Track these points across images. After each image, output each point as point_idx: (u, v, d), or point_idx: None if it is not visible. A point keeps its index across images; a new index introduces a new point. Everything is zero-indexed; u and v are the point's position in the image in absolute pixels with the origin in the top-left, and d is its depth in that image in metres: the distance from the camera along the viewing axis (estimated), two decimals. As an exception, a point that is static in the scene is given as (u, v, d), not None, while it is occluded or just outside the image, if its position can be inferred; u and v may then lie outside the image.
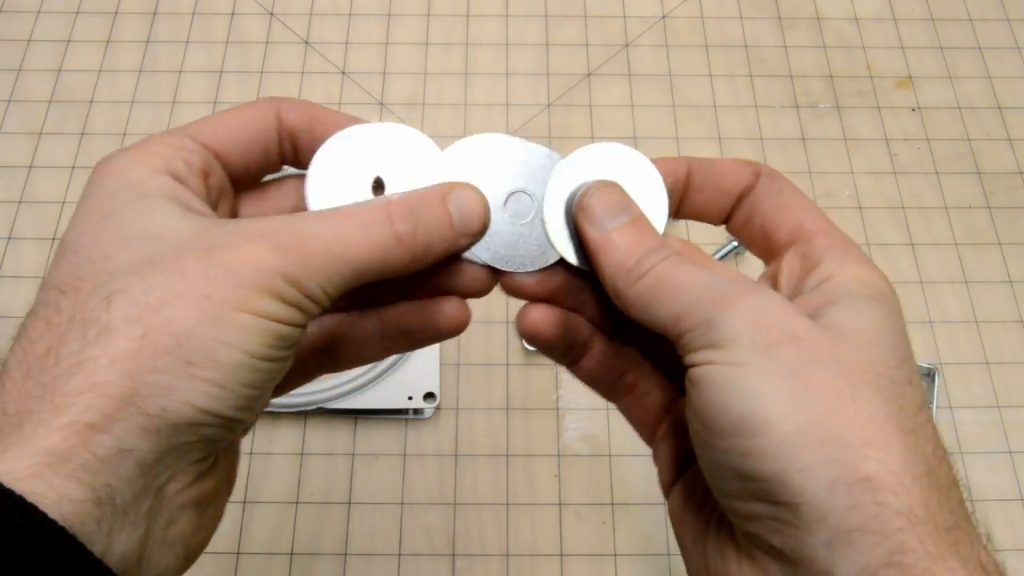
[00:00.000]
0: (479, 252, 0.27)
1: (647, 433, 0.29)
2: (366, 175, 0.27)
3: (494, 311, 0.56)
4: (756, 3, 0.72)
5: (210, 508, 0.24)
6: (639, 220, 0.27)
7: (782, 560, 0.21)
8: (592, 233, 0.26)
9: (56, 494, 0.19)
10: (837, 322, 0.23)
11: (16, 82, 0.66)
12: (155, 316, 0.21)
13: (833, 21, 0.71)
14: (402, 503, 0.52)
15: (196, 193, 0.25)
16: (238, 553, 0.50)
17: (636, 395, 0.29)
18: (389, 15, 0.70)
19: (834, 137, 0.65)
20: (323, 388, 0.53)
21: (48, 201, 0.61)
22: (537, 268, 0.28)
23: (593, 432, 0.54)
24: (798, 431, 0.21)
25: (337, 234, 0.24)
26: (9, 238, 0.60)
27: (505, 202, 0.28)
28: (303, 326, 0.23)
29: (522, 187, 0.28)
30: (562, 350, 0.28)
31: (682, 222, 0.45)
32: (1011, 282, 0.60)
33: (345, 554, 0.51)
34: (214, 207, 0.26)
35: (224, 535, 0.51)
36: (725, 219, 0.29)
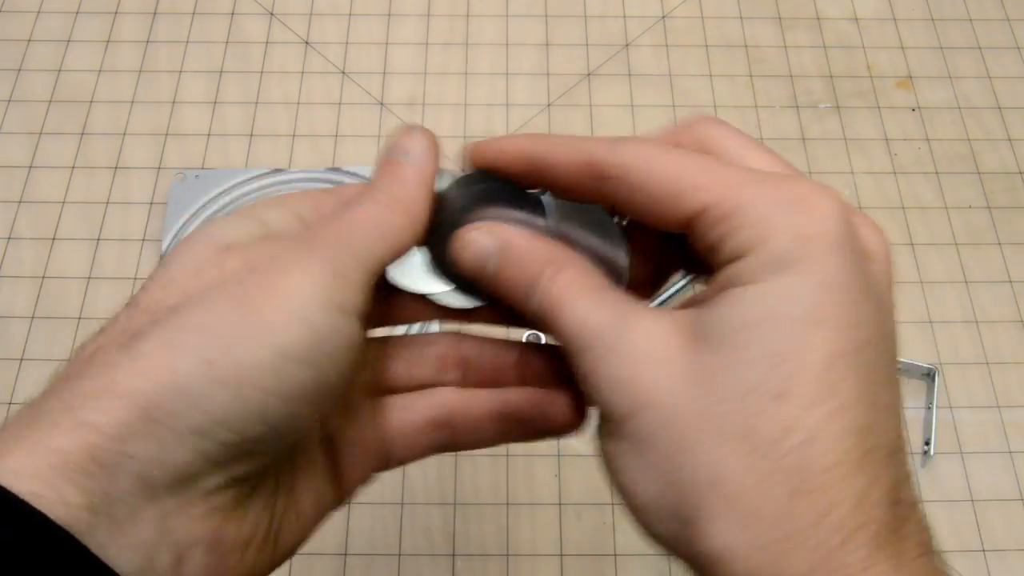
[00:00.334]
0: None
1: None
2: None
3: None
4: (756, 3, 0.72)
5: (232, 557, 0.22)
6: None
7: None
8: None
9: (56, 495, 0.18)
10: (711, 336, 0.20)
11: (16, 82, 0.66)
12: (184, 321, 0.21)
13: (833, 21, 0.71)
14: (402, 503, 0.52)
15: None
16: (238, 553, 0.50)
17: None
18: (389, 15, 0.70)
19: (834, 137, 0.65)
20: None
21: (48, 201, 0.61)
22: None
23: (593, 432, 0.54)
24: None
25: (359, 227, 0.24)
26: (9, 238, 0.60)
27: None
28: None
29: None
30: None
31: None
32: (1011, 282, 0.60)
33: (345, 554, 0.51)
34: None
35: (224, 535, 0.51)
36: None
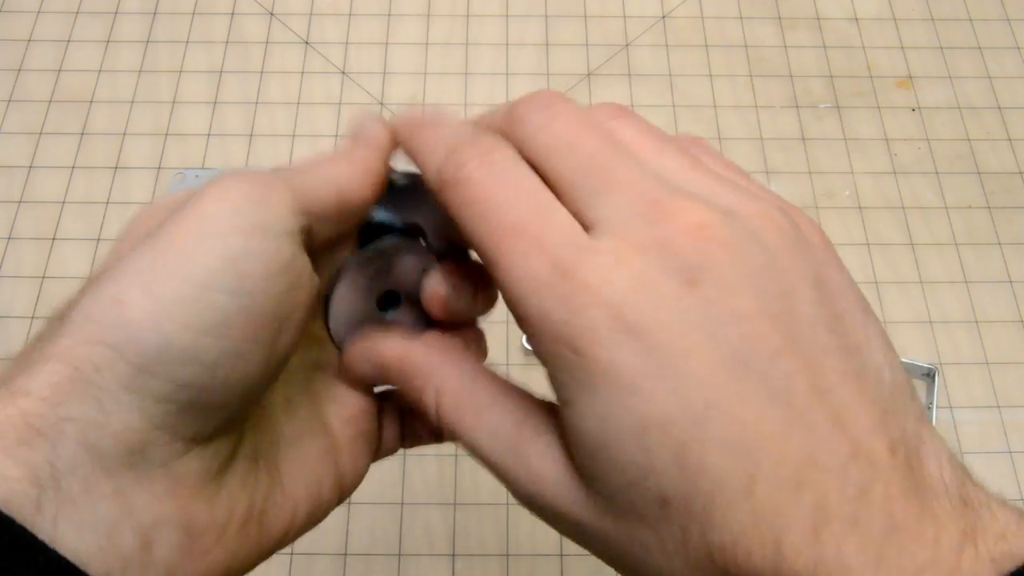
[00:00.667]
0: None
1: None
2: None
3: (494, 311, 0.56)
4: (756, 3, 0.72)
5: (206, 539, 0.20)
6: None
7: None
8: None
9: None
10: (581, 470, 0.20)
11: (16, 82, 0.66)
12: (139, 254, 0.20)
13: (833, 21, 0.71)
14: (402, 503, 0.52)
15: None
16: (238, 553, 0.50)
17: None
18: (389, 15, 0.70)
19: (834, 137, 0.65)
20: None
21: (48, 201, 0.61)
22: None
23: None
24: None
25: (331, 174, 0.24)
26: (9, 238, 0.60)
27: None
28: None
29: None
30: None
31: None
32: (1011, 282, 0.60)
33: (345, 554, 0.51)
34: None
35: (224, 535, 0.51)
36: None
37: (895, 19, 0.71)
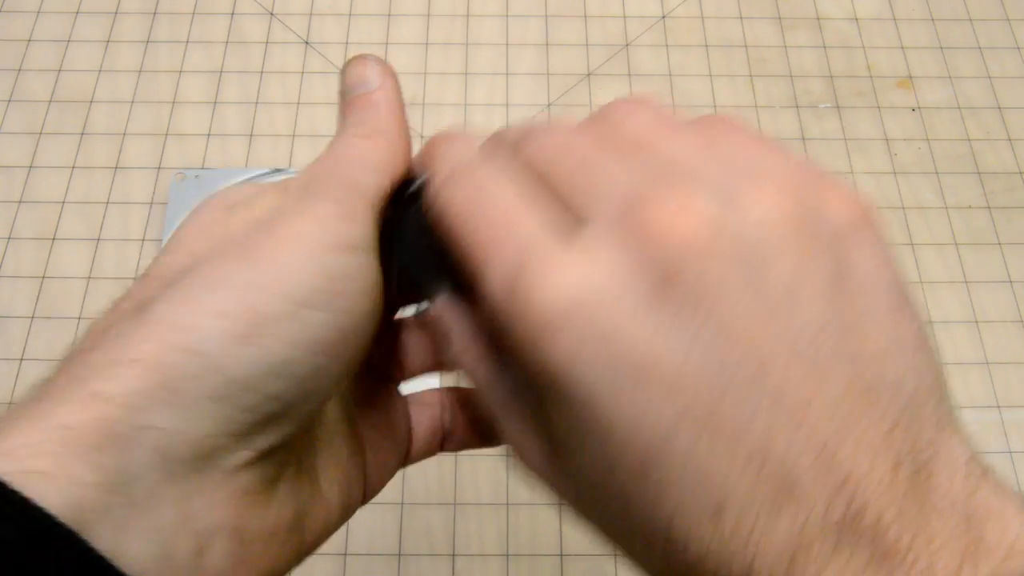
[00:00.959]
0: None
1: None
2: None
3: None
4: (756, 3, 0.72)
5: (255, 548, 0.20)
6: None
7: None
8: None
9: (65, 475, 0.16)
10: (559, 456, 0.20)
11: (16, 82, 0.66)
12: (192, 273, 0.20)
13: (833, 21, 0.71)
14: (402, 503, 0.52)
15: None
16: (238, 553, 0.50)
17: None
18: (389, 15, 0.70)
19: (834, 137, 0.65)
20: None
21: (48, 201, 0.61)
22: None
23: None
24: None
25: (359, 162, 0.24)
26: (9, 238, 0.60)
27: None
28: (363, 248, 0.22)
29: None
30: None
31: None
32: (1011, 282, 0.60)
33: (345, 554, 0.51)
34: None
35: (224, 535, 0.51)
36: None
37: (895, 19, 0.71)
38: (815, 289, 0.17)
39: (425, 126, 0.65)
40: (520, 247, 0.19)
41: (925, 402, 0.17)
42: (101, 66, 0.67)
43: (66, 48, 0.68)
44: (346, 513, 0.25)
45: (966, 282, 0.60)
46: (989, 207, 0.63)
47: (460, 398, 0.28)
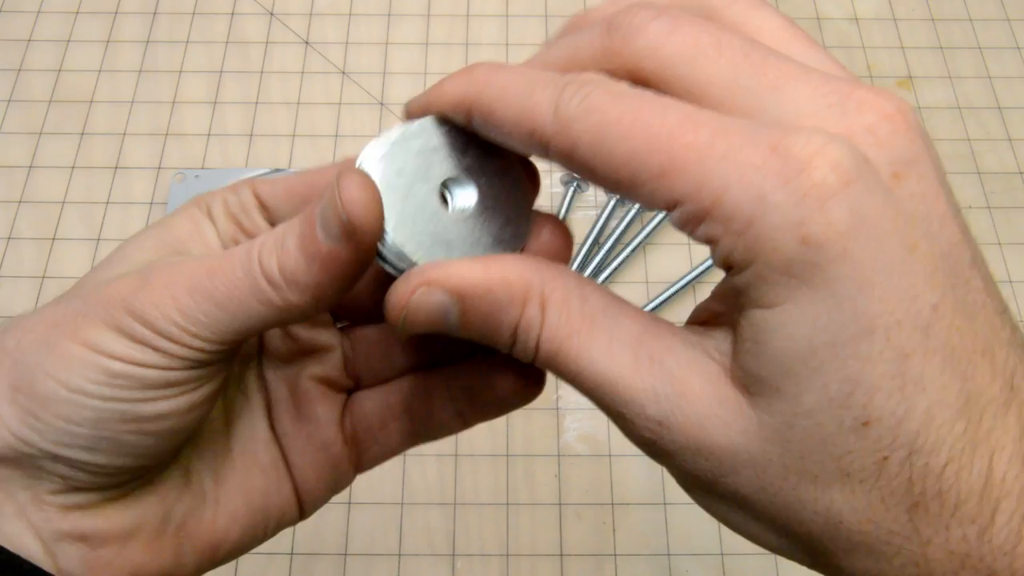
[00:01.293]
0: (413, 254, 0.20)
1: None
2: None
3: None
4: (756, 3, 0.72)
5: (110, 548, 0.21)
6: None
7: None
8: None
9: None
10: (763, 385, 0.17)
11: (16, 82, 0.66)
12: (9, 338, 0.21)
13: (833, 21, 0.71)
14: (402, 503, 0.52)
15: (218, 230, 0.23)
16: (238, 553, 0.50)
17: None
18: (389, 15, 0.70)
19: (834, 137, 0.65)
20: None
21: (48, 201, 0.61)
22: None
23: (593, 432, 0.54)
24: None
25: (205, 268, 0.20)
26: (9, 238, 0.60)
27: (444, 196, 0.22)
28: (168, 368, 0.20)
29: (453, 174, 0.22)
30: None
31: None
32: (1011, 282, 0.60)
33: (345, 554, 0.51)
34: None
35: (224, 535, 0.51)
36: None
37: (895, 19, 0.71)
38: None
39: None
40: (751, 127, 0.17)
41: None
42: (101, 66, 0.67)
43: (66, 48, 0.68)
44: (261, 527, 0.24)
45: (966, 282, 0.60)
46: (989, 207, 0.63)
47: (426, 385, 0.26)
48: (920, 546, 0.17)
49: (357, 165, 0.21)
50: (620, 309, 0.20)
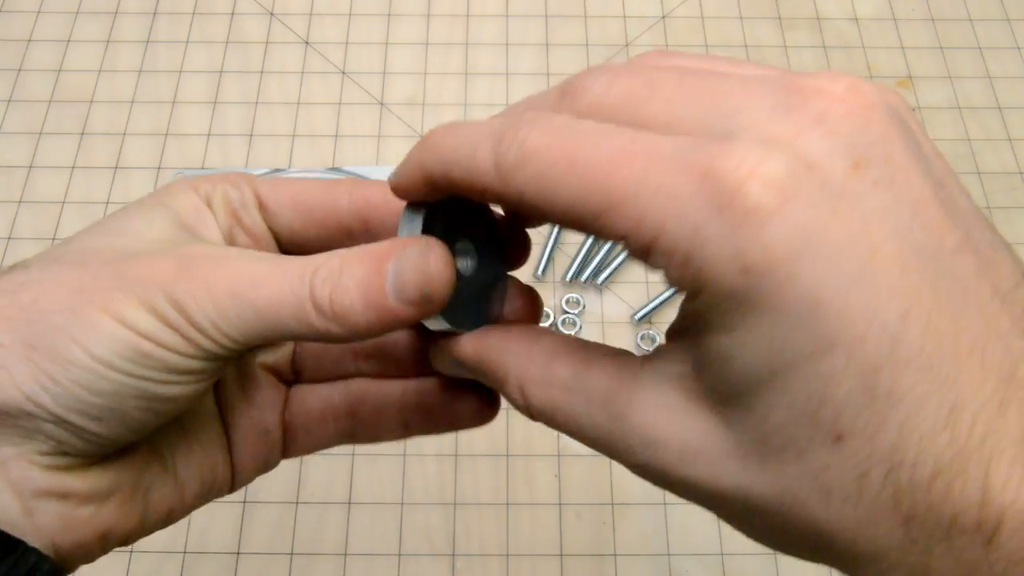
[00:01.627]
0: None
1: None
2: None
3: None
4: (756, 3, 0.72)
5: (88, 507, 0.22)
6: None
7: None
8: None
9: None
10: (732, 411, 0.17)
11: (16, 82, 0.66)
12: (24, 294, 0.20)
13: (833, 21, 0.71)
14: (402, 503, 0.52)
15: (218, 222, 0.24)
16: (238, 553, 0.50)
17: None
18: (389, 15, 0.70)
19: (834, 137, 0.65)
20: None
21: (48, 201, 0.61)
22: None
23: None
24: None
25: (251, 273, 0.21)
26: (9, 238, 0.60)
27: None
28: (193, 356, 0.21)
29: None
30: None
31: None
32: (1011, 282, 0.60)
33: (345, 554, 0.51)
34: (231, 242, 0.25)
35: (224, 535, 0.51)
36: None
37: (895, 19, 0.71)
38: (952, 174, 0.18)
39: (425, 126, 0.65)
40: (684, 147, 0.16)
41: None
42: (101, 66, 0.67)
43: (66, 48, 0.68)
44: (208, 495, 0.25)
45: (966, 282, 0.60)
46: (989, 207, 0.63)
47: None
48: (921, 556, 0.16)
49: (404, 235, 0.22)
50: (587, 369, 0.20)
